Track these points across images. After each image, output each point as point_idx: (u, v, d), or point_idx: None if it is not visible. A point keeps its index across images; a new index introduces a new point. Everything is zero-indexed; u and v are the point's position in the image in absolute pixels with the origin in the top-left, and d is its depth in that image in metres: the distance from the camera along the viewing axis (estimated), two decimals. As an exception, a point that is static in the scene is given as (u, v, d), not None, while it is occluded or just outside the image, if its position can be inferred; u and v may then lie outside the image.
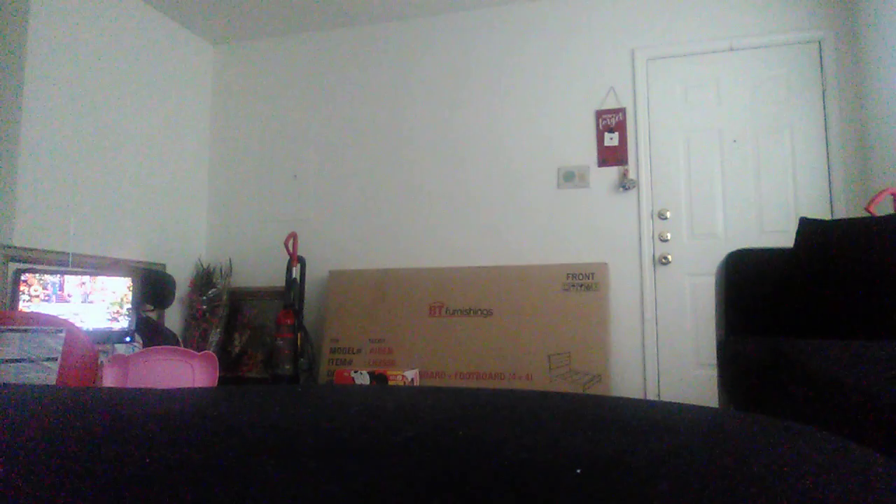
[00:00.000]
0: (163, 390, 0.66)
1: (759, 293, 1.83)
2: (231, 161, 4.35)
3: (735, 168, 3.44)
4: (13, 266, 2.90)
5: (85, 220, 3.34)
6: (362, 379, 3.19)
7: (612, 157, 3.60)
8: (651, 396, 3.42)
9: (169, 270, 3.88)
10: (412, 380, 3.27)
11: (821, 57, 3.35)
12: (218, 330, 3.97)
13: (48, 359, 2.18)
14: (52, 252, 3.10)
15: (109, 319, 3.05)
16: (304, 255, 3.84)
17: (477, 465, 0.36)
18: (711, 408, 0.57)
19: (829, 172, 3.30)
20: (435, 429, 0.45)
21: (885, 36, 3.00)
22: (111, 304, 3.07)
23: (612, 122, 3.62)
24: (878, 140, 3.09)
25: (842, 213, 3.24)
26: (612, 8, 3.70)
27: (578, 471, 0.34)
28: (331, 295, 3.84)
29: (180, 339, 3.80)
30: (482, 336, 3.48)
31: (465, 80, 3.93)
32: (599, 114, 3.65)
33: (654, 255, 3.50)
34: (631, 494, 0.32)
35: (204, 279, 4.06)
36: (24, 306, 2.83)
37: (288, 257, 3.76)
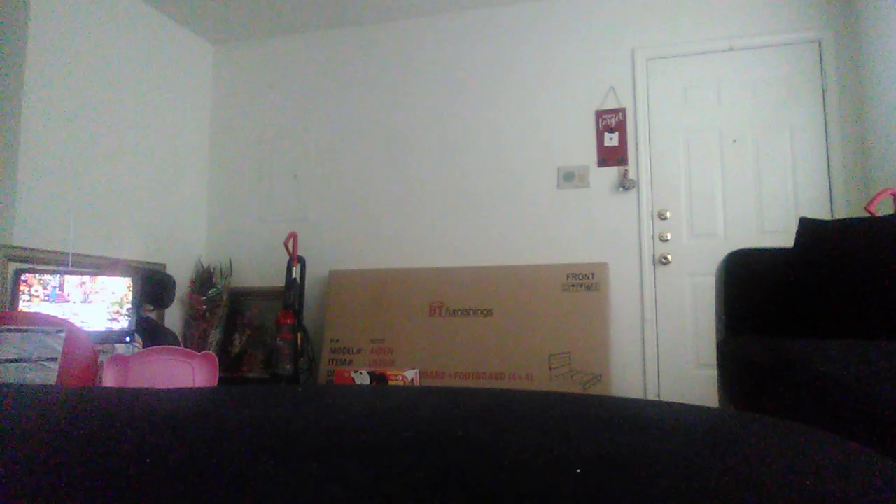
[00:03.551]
0: (163, 390, 0.66)
1: (759, 293, 1.83)
2: (231, 161, 4.35)
3: (735, 168, 3.44)
4: (13, 266, 2.90)
5: (85, 220, 3.34)
6: (362, 379, 3.18)
7: (612, 157, 3.60)
8: (651, 396, 3.42)
9: (169, 270, 3.88)
10: (412, 380, 3.27)
11: (821, 57, 3.35)
12: (218, 330, 3.97)
13: (48, 359, 2.18)
14: (52, 252, 3.10)
15: (109, 319, 3.05)
16: (304, 255, 3.84)
17: (477, 465, 0.36)
18: (711, 408, 0.57)
19: (829, 172, 3.30)
20: (435, 429, 0.45)
21: (885, 36, 3.00)
22: (111, 304, 3.07)
23: (612, 122, 3.62)
24: (878, 140, 3.09)
25: (842, 213, 3.24)
26: (612, 8, 3.70)
27: (578, 471, 0.34)
28: (331, 295, 3.84)
29: (180, 339, 3.80)
30: (482, 336, 3.48)
31: (464, 79, 3.93)
32: (599, 114, 3.65)
33: (654, 255, 3.50)
34: (631, 494, 0.32)
35: (204, 279, 4.06)
36: (24, 306, 2.83)
37: (288, 257, 3.76)
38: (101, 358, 2.45)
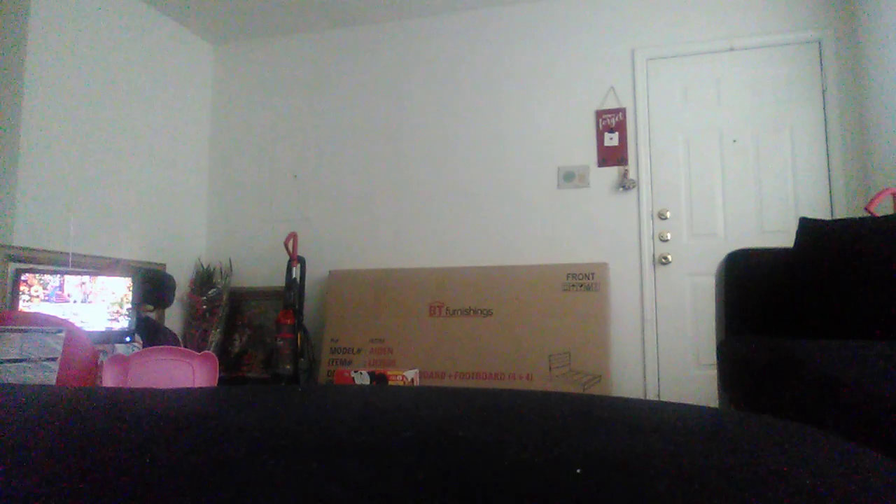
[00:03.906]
0: (163, 390, 0.66)
1: (759, 293, 1.83)
2: (231, 161, 4.35)
3: (735, 168, 3.44)
4: (13, 266, 2.90)
5: (85, 220, 3.34)
6: (362, 379, 3.18)
7: (612, 157, 3.60)
8: (651, 396, 3.42)
9: (169, 270, 3.88)
10: (412, 380, 3.27)
11: (821, 57, 3.35)
12: (218, 330, 3.97)
13: (48, 359, 2.18)
14: (52, 252, 3.10)
15: (109, 319, 3.05)
16: (304, 255, 3.84)
17: (477, 465, 0.36)
18: (711, 408, 0.57)
19: (829, 172, 3.30)
20: (435, 429, 0.45)
21: (885, 36, 3.00)
22: (111, 304, 3.07)
23: (612, 122, 3.62)
24: (878, 140, 3.09)
25: (842, 213, 3.24)
26: (612, 8, 3.70)
27: (578, 471, 0.34)
28: (331, 295, 3.84)
29: (180, 339, 3.80)
30: (482, 336, 3.48)
31: (465, 79, 3.93)
32: (599, 114, 3.65)
33: (654, 255, 3.50)
34: (631, 494, 0.32)
35: (204, 279, 4.06)
36: (24, 306, 2.83)
37: (288, 257, 3.76)
38: (101, 358, 2.45)
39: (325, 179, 4.12)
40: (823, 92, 3.34)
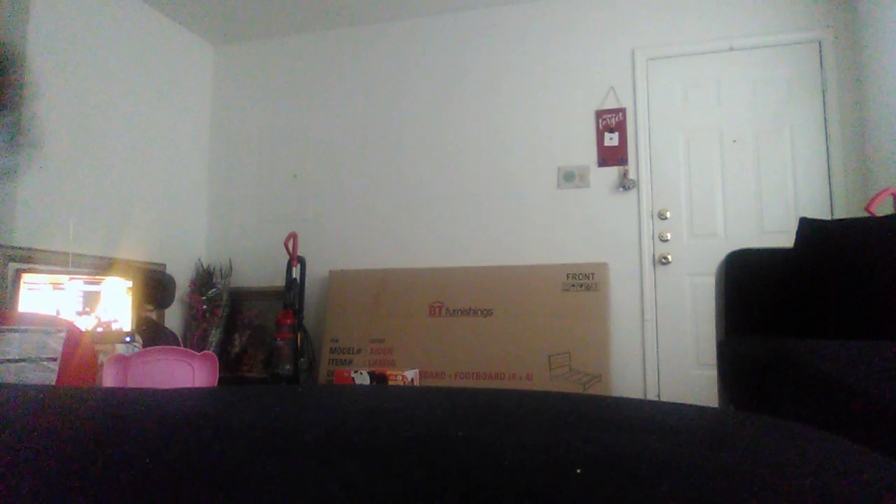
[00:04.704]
0: (163, 390, 0.66)
1: (759, 293, 1.83)
2: (231, 161, 4.35)
3: (735, 168, 3.44)
4: (13, 266, 2.90)
5: (85, 220, 3.33)
6: (362, 379, 3.18)
7: (612, 157, 3.60)
8: (651, 396, 3.42)
9: (169, 270, 3.88)
10: (412, 380, 3.27)
11: (821, 57, 3.35)
12: (218, 330, 3.97)
13: (48, 359, 2.18)
14: (52, 252, 3.10)
15: (109, 319, 3.05)
16: (304, 255, 3.84)
17: (477, 465, 0.36)
18: (711, 408, 0.57)
19: (829, 172, 3.30)
20: (434, 429, 0.45)
21: (885, 36, 3.00)
22: (111, 303, 3.07)
23: (612, 122, 3.62)
24: (878, 140, 3.09)
25: (842, 213, 3.24)
26: (612, 8, 3.70)
27: (578, 471, 0.34)
28: (331, 295, 3.84)
29: (180, 339, 3.80)
30: (482, 336, 3.48)
31: (465, 79, 3.93)
32: (599, 114, 3.65)
33: (654, 255, 3.50)
34: (631, 494, 0.32)
35: (204, 279, 4.06)
36: (24, 306, 2.83)
37: (288, 257, 3.76)
38: (101, 358, 2.45)
39: (325, 179, 4.12)
40: (823, 92, 3.34)
